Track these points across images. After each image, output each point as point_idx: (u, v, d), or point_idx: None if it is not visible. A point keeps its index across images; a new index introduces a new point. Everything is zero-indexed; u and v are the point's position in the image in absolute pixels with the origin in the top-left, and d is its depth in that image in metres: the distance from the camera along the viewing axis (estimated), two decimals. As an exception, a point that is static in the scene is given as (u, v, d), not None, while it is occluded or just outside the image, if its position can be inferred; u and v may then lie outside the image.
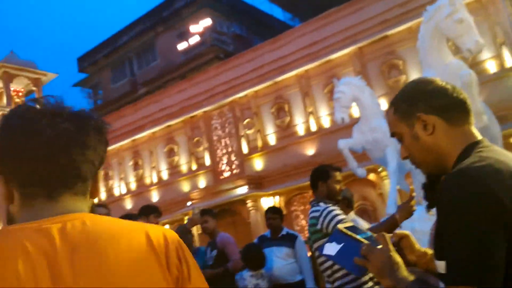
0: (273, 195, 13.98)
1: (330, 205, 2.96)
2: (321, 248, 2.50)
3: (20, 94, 21.14)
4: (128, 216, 3.81)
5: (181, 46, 23.52)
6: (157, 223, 4.01)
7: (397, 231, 1.34)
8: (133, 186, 17.66)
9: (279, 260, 4.37)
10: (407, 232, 1.33)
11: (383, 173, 10.72)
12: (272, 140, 14.52)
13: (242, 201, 13.66)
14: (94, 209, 0.92)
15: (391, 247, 1.16)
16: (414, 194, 5.38)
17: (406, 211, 2.61)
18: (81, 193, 0.87)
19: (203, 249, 4.72)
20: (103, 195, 18.35)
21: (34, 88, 21.05)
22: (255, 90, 14.65)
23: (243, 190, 13.80)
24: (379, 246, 1.16)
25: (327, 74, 13.25)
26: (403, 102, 1.20)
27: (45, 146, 0.81)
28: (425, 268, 1.28)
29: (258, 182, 14.14)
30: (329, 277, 2.97)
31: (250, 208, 13.88)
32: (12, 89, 20.34)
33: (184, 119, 16.27)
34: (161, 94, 17.51)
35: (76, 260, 0.76)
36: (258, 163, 14.64)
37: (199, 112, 15.87)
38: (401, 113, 1.19)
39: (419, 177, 5.45)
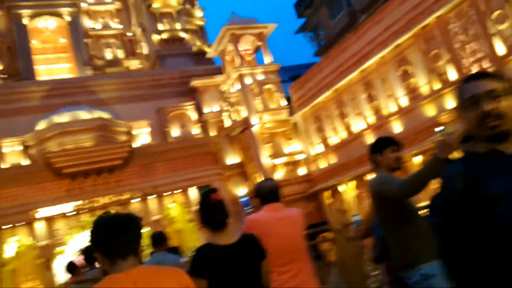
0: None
1: None
2: None
3: (249, 52, 22.24)
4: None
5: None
6: (397, 158, 2.99)
7: None
8: (370, 119, 16.43)
9: None
10: None
11: None
12: (540, 29, 10.90)
13: None
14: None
15: None
16: None
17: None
18: (136, 254, 1.79)
19: None
20: (342, 134, 17.79)
21: (259, 43, 21.81)
22: (504, -31, 11.16)
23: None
24: None
25: None
26: None
27: (123, 240, 1.76)
28: None
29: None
30: None
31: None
32: (241, 49, 21.50)
33: (414, 33, 13.90)
34: (382, 12, 15.40)
35: None
36: (523, 64, 11.31)
37: (431, 19, 13.24)
38: None
39: None
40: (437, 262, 2.68)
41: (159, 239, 5.12)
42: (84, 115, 19.14)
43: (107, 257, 1.74)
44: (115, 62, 25.98)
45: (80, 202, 17.52)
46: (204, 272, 2.37)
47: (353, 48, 16.60)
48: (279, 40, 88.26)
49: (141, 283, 1.67)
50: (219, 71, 23.02)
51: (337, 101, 17.84)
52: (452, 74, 13.06)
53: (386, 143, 3.01)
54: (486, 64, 12.10)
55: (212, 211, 2.53)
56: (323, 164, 19.11)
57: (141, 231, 1.84)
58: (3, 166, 18.01)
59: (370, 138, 16.41)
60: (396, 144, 3.03)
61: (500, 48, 11.67)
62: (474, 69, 12.39)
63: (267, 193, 3.29)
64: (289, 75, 29.87)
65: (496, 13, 11.59)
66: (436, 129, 12.59)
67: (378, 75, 15.70)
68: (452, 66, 13.03)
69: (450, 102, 13.19)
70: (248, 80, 20.37)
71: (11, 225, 16.66)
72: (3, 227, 16.54)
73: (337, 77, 17.36)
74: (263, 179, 3.75)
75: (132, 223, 1.82)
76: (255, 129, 19.74)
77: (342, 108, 17.60)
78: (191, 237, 18.53)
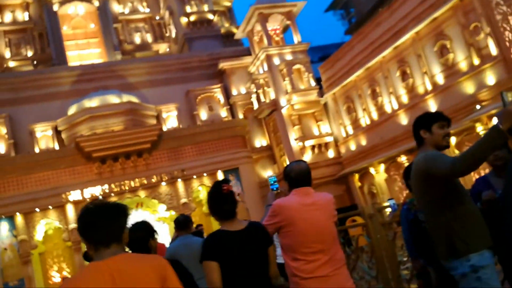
0: None
1: None
2: None
3: (278, 31, 21.68)
4: None
5: None
6: (447, 134, 2.69)
7: None
8: (404, 99, 15.68)
9: None
10: None
11: None
12: None
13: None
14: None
15: None
16: None
17: None
18: (119, 242, 1.84)
19: None
20: (374, 115, 17.13)
21: (288, 22, 21.20)
22: None
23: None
24: None
25: None
26: None
27: (105, 229, 1.81)
28: None
29: None
30: None
31: None
32: (269, 28, 20.97)
33: (452, 4, 13.03)
34: (418, -16, 14.53)
35: (118, 278, 1.71)
36: None
37: (471, -10, 12.36)
38: None
39: None
40: (488, 252, 2.31)
41: (184, 223, 5.00)
42: (113, 99, 19.23)
43: (91, 244, 1.82)
44: (144, 46, 25.95)
45: (109, 185, 17.67)
46: (215, 255, 2.51)
47: (386, 24, 15.81)
48: (308, 19, 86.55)
49: (117, 271, 1.72)
50: (248, 52, 22.60)
51: (369, 80, 17.14)
52: (493, 49, 12.19)
53: (434, 118, 2.70)
54: (532, 36, 11.21)
55: (222, 201, 2.64)
56: (353, 146, 18.53)
57: (126, 219, 1.90)
58: (36, 150, 18.33)
59: (403, 119, 15.72)
60: (446, 119, 2.71)
61: (548, 18, 10.76)
62: (519, 42, 11.51)
63: (296, 176, 3.04)
64: (319, 55, 29.12)
65: (544, -21, 10.65)
66: (477, 107, 11.83)
67: (413, 52, 14.90)
68: (493, 40, 12.14)
69: (491, 77, 12.36)
70: (276, 61, 19.87)
71: (43, 208, 17.01)
72: (36, 209, 16.91)
73: (369, 55, 16.63)
74: (291, 161, 3.44)
75: (115, 212, 1.87)
76: (283, 111, 19.31)
77: (374, 87, 16.90)
78: (216, 222, 18.44)
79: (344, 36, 30.43)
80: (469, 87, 13.01)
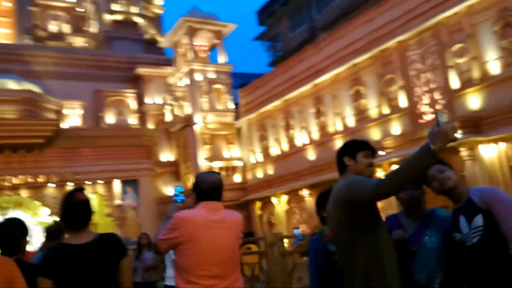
0: (496, 141, 10.58)
1: None
2: None
3: (204, 48, 21.30)
4: None
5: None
6: (371, 164, 2.54)
7: None
8: (315, 135, 15.99)
9: None
10: None
11: None
12: (494, 68, 10.91)
13: (453, 149, 10.63)
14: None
15: None
16: None
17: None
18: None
19: None
20: (284, 146, 17.25)
21: (216, 41, 20.96)
22: (469, 4, 11.12)
23: (456, 135, 10.75)
24: None
25: None
26: None
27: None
28: None
29: (475, 125, 10.85)
30: None
31: (465, 158, 10.80)
32: (196, 44, 20.55)
33: (373, 54, 13.67)
34: (345, 28, 15.09)
35: None
36: (473, 101, 11.25)
37: (392, 43, 13.05)
38: None
39: None
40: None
41: (54, 232, 4.73)
42: (11, 84, 17.34)
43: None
44: (59, 36, 24.00)
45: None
46: (50, 272, 2.30)
47: (310, 61, 16.17)
48: (236, 43, 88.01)
49: None
50: (168, 63, 21.87)
51: (284, 112, 17.30)
52: (403, 101, 12.89)
53: (360, 146, 2.54)
54: (437, 96, 12.01)
55: (73, 210, 2.45)
56: (260, 173, 18.45)
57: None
58: None
59: (311, 154, 15.98)
60: (372, 149, 2.57)
61: (454, 81, 11.60)
62: (425, 99, 12.29)
63: (208, 188, 2.74)
64: (240, 81, 29.16)
65: (457, 46, 11.52)
66: (381, 153, 12.30)
67: (330, 92, 15.33)
68: (404, 93, 12.86)
69: (397, 127, 13.01)
70: (198, 77, 19.40)
71: None
72: None
73: (289, 88, 16.85)
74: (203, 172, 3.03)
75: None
76: (197, 128, 18.76)
77: (288, 119, 17.07)
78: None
79: (267, 68, 30.96)
80: (376, 133, 13.57)
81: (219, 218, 2.63)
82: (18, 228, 2.76)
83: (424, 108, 12.29)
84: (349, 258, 2.30)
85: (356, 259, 2.26)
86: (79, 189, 2.53)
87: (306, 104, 16.36)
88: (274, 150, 17.75)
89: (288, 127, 17.15)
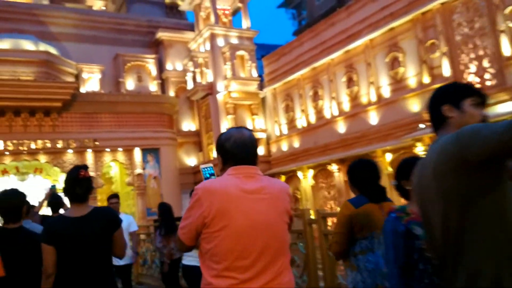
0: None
1: None
2: None
3: (227, 12, 20.27)
4: None
5: None
6: (484, 118, 1.74)
7: None
8: (346, 106, 15.01)
9: None
10: None
11: None
12: (555, 33, 9.72)
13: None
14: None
15: None
16: None
17: None
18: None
19: None
20: (312, 118, 16.33)
21: (240, 5, 19.89)
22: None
23: (507, 107, 9.71)
24: None
25: None
26: None
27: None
28: None
29: (528, 96, 9.79)
30: None
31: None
32: (219, 7, 19.53)
33: (413, 17, 12.50)
34: (381, -10, 13.88)
35: None
36: (528, 69, 10.14)
37: (434, 4, 11.86)
38: None
39: None
40: None
41: (56, 205, 4.82)
42: (28, 45, 16.73)
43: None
44: (77, -2, 23.23)
45: (5, 142, 15.13)
46: (51, 240, 2.56)
47: (341, 25, 15.05)
48: (259, 12, 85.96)
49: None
50: (190, 28, 20.94)
51: (313, 81, 16.31)
52: (446, 69, 11.79)
53: (466, 92, 1.74)
54: (486, 64, 10.88)
55: (76, 185, 2.67)
56: (285, 146, 17.64)
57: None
58: None
59: (340, 126, 15.06)
60: (481, 94, 1.75)
61: (506, 48, 10.44)
62: (472, 67, 11.16)
63: (235, 148, 1.94)
64: (263, 53, 28.07)
65: (510, 8, 10.32)
66: (420, 126, 11.32)
67: (364, 59, 14.25)
68: (447, 60, 11.73)
69: (438, 99, 11.95)
70: (220, 42, 18.46)
71: None
72: None
73: (318, 55, 15.80)
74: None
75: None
76: (219, 97, 17.95)
77: (317, 89, 16.09)
78: (126, 202, 16.63)
79: (292, 37, 29.68)
80: (414, 105, 12.54)
81: (257, 187, 1.86)
82: (17, 198, 3.08)
83: (470, 77, 11.18)
84: (456, 244, 1.47)
85: (467, 246, 1.43)
86: (83, 167, 2.76)
87: (336, 72, 15.32)
88: (301, 122, 16.86)
89: (316, 98, 16.19)
